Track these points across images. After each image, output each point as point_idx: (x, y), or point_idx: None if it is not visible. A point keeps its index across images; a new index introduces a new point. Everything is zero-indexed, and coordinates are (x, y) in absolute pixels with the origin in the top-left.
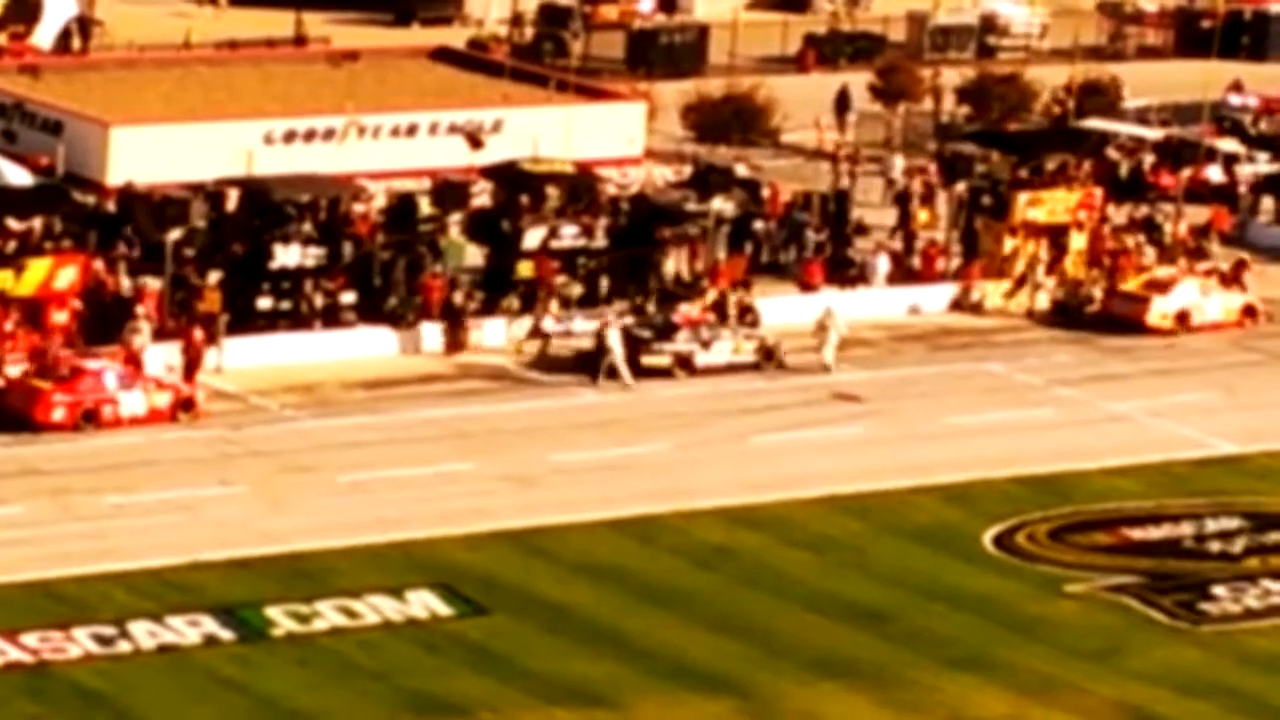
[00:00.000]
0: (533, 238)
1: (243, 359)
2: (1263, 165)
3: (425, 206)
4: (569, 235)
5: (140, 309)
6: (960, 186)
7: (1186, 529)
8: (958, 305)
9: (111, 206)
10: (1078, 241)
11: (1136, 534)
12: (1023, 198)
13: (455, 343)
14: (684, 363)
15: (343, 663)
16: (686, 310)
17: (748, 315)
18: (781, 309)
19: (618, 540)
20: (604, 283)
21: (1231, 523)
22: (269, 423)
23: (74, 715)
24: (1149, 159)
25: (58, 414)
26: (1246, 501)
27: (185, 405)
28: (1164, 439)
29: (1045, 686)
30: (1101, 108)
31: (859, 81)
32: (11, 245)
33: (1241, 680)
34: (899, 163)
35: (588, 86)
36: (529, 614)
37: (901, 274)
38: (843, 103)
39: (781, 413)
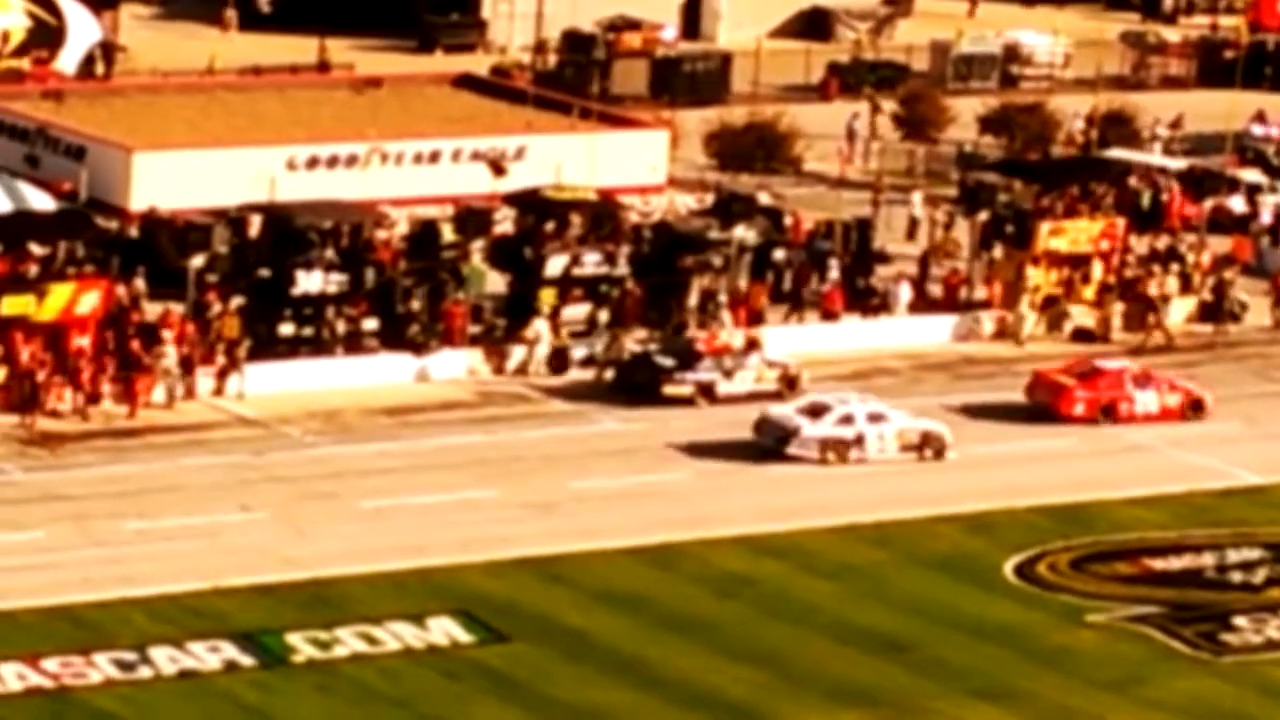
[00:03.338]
0: (555, 265)
1: (265, 385)
2: None
3: (448, 233)
4: (591, 263)
5: (168, 333)
6: (982, 215)
7: (1208, 559)
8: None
9: (134, 232)
10: (1099, 271)
11: (1158, 564)
12: (1045, 227)
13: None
14: (706, 391)
15: (363, 689)
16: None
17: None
18: (804, 337)
19: (638, 568)
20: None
21: (1253, 553)
22: (290, 449)
23: None
24: (1172, 188)
25: (1078, 409)
26: (1268, 532)
27: (1195, 406)
28: (1186, 469)
29: (1066, 717)
30: (1125, 137)
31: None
32: (34, 270)
33: (1263, 711)
34: (918, 198)
35: (611, 114)
36: (550, 641)
37: (924, 303)
38: (853, 132)
39: None
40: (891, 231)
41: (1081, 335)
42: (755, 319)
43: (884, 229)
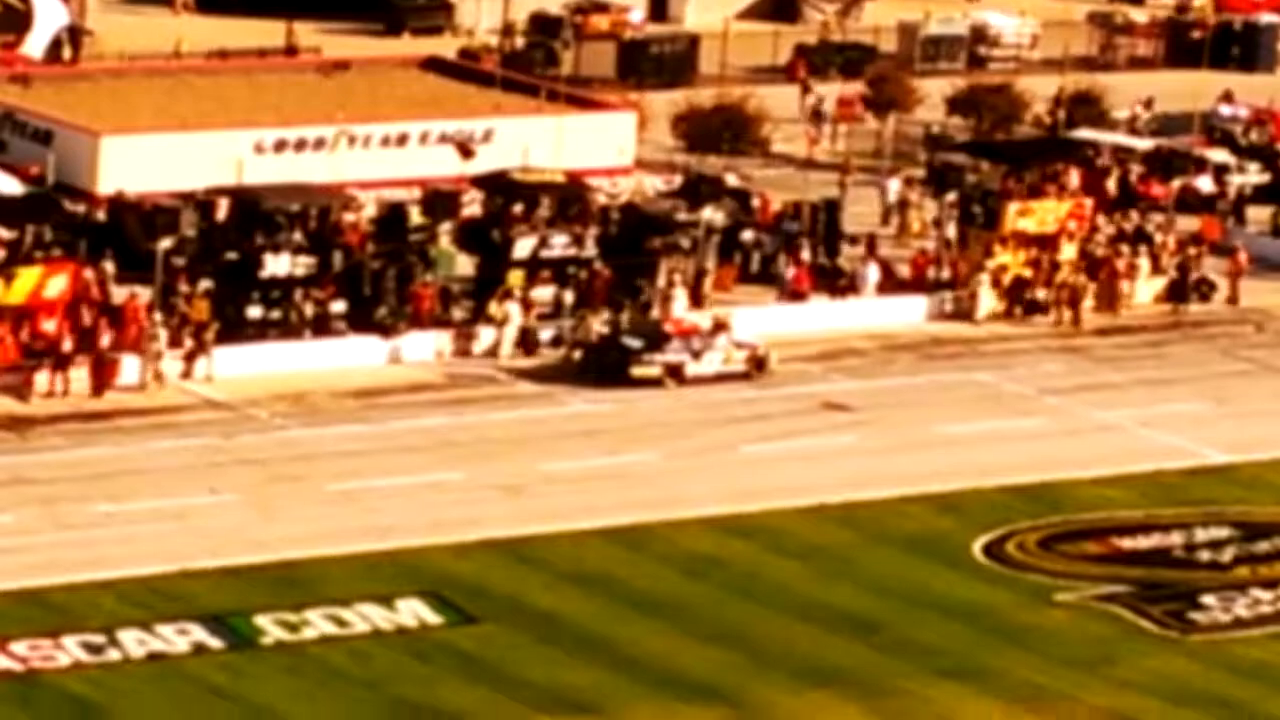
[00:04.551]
0: (523, 247)
1: (233, 368)
2: (1253, 175)
3: (415, 216)
4: (559, 245)
5: (158, 316)
6: (950, 196)
7: (1176, 538)
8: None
9: (102, 215)
10: (1068, 251)
11: (1126, 543)
12: (1012, 208)
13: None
14: (674, 372)
15: (332, 671)
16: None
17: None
18: (772, 318)
19: (607, 549)
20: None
21: (1221, 532)
22: (259, 431)
23: None
24: (1138, 169)
25: None
26: (1236, 511)
27: None
28: (1154, 448)
29: (1035, 696)
30: (1092, 118)
31: (850, 91)
32: (1, 254)
33: (1231, 690)
34: (894, 185)
35: (578, 96)
36: (518, 623)
37: (892, 283)
38: (818, 113)
39: (771, 422)
40: (857, 214)
41: (1033, 307)
42: (697, 298)
43: (852, 210)
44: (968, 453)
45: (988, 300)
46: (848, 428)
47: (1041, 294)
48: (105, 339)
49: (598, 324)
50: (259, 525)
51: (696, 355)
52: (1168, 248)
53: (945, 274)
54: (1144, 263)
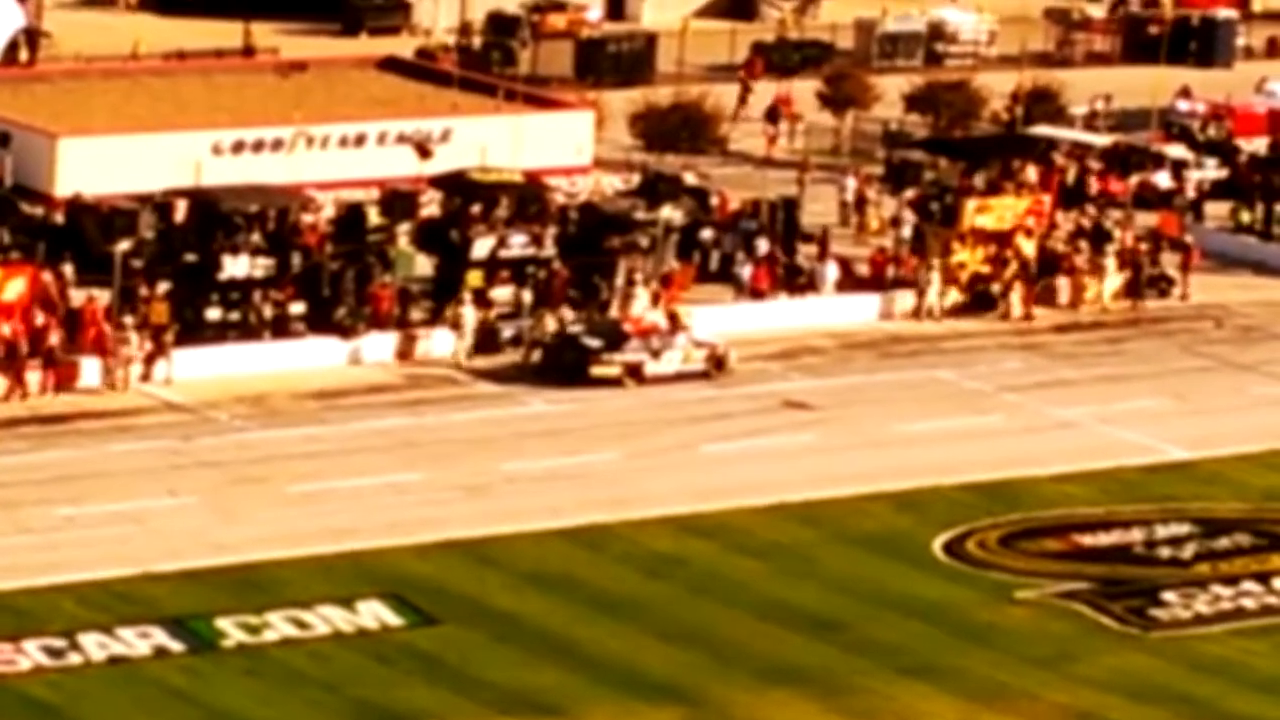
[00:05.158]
0: (481, 247)
1: (192, 370)
2: (1211, 171)
3: (374, 216)
4: (518, 244)
5: (129, 319)
6: (908, 193)
7: (1136, 535)
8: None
9: (60, 218)
10: (1027, 248)
11: (1087, 540)
12: (971, 204)
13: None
14: (634, 372)
15: (293, 674)
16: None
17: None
18: (731, 317)
19: (568, 549)
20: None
21: (1181, 528)
22: (218, 433)
23: None
24: (1096, 165)
25: None
26: (1196, 507)
27: None
28: (1113, 445)
29: (996, 693)
30: (1050, 114)
31: (807, 89)
32: None
33: (1192, 686)
34: (851, 183)
35: (536, 95)
36: (479, 624)
37: (851, 281)
38: (774, 113)
39: (731, 421)
40: (816, 212)
41: (984, 301)
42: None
43: (811, 208)
44: (928, 450)
45: (938, 297)
46: (808, 426)
47: (995, 288)
48: (54, 338)
49: (551, 322)
50: (219, 528)
51: (656, 354)
52: (1125, 244)
53: (904, 271)
54: (1110, 262)
